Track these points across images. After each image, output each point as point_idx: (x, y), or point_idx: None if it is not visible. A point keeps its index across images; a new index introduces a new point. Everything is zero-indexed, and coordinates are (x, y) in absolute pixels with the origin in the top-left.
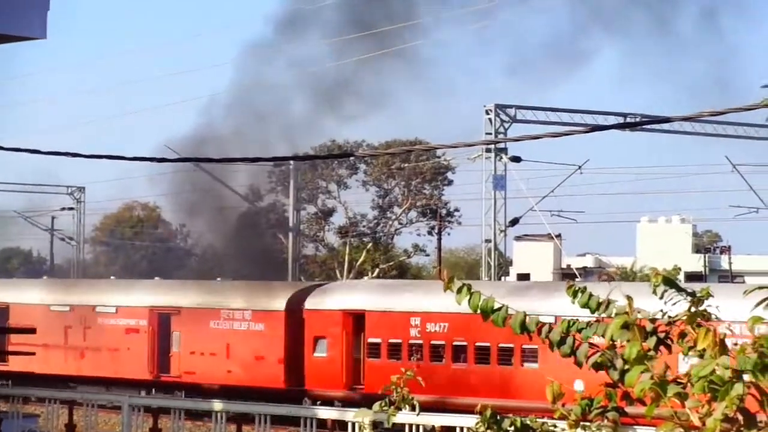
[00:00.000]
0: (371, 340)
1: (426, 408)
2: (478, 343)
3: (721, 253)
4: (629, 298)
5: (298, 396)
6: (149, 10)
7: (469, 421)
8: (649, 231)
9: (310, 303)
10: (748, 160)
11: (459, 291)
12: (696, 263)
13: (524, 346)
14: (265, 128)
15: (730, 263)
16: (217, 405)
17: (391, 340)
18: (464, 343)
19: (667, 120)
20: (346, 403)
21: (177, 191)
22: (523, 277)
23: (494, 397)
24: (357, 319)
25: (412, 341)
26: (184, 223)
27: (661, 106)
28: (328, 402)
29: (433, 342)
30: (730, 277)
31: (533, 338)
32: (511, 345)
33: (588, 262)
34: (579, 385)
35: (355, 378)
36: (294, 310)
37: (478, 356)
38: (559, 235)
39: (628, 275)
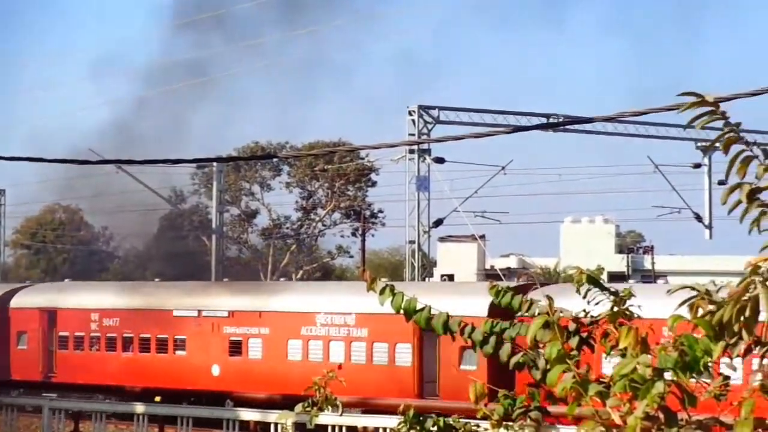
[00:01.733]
0: (61, 333)
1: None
2: (141, 335)
3: (644, 253)
4: (549, 297)
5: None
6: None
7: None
8: (572, 231)
9: (15, 302)
10: (670, 161)
11: (382, 292)
12: (619, 263)
13: (176, 337)
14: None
15: (653, 263)
16: (139, 407)
17: (77, 334)
18: (132, 335)
19: (589, 120)
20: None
21: (99, 193)
22: (447, 277)
23: (154, 382)
24: (51, 316)
25: (92, 334)
26: (107, 225)
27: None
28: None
29: (108, 334)
30: (653, 277)
31: (182, 330)
32: (166, 336)
33: (512, 262)
34: (215, 370)
35: (49, 367)
36: (2, 309)
37: (141, 346)
38: (482, 236)
39: (551, 276)
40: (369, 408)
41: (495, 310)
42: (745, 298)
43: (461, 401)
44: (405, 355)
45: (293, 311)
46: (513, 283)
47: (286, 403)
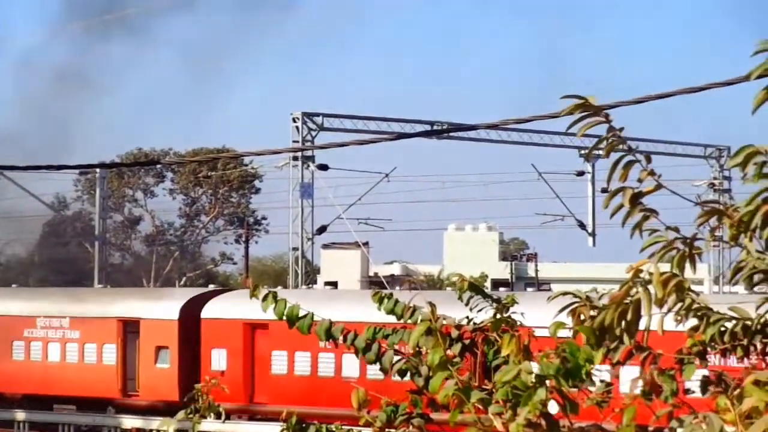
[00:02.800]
0: None
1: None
2: None
3: (528, 260)
4: (432, 304)
5: None
6: None
7: (274, 428)
8: (456, 238)
9: None
10: (554, 168)
11: (264, 299)
12: (503, 270)
13: None
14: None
15: (536, 271)
16: (20, 415)
17: None
18: None
19: (472, 128)
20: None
21: None
22: (331, 284)
23: None
24: None
25: None
26: None
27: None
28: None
29: None
30: (536, 284)
31: None
32: None
33: (395, 269)
34: None
35: None
36: None
37: None
38: (366, 243)
39: (435, 283)
40: (252, 415)
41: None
42: (627, 301)
43: (160, 398)
44: (110, 354)
45: (17, 315)
46: (398, 291)
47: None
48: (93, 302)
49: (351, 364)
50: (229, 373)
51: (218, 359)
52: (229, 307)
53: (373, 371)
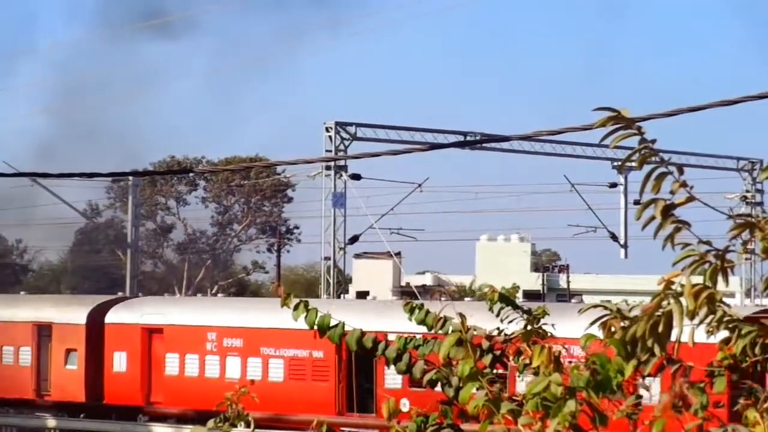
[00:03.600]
0: None
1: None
2: None
3: (560, 271)
4: (462, 315)
5: None
6: None
7: None
8: (488, 249)
9: None
10: (586, 179)
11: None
12: (534, 282)
13: None
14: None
15: (568, 282)
16: (50, 422)
17: None
18: None
19: (505, 138)
20: None
21: (14, 207)
22: (362, 294)
23: None
24: None
25: None
26: (21, 238)
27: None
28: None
29: None
30: (568, 295)
31: None
32: None
33: (427, 280)
34: None
35: None
36: None
37: None
38: (398, 253)
39: (467, 293)
40: (282, 425)
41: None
42: (659, 313)
43: (69, 398)
44: (26, 356)
45: None
46: (429, 301)
47: None
48: (10, 307)
49: (233, 366)
50: (129, 375)
51: (119, 361)
52: (130, 314)
53: (254, 373)
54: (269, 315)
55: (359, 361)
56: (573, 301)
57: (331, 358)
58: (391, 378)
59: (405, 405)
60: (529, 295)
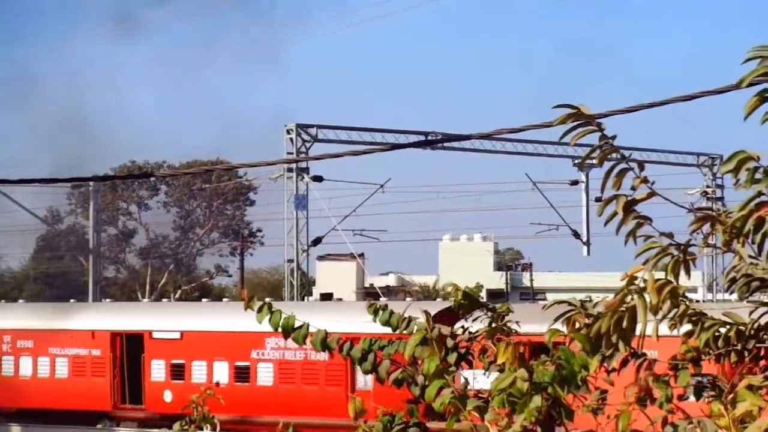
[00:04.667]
0: None
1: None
2: None
3: (523, 270)
4: (427, 313)
5: None
6: None
7: None
8: (451, 249)
9: None
10: (548, 178)
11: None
12: (498, 281)
13: None
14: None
15: (531, 280)
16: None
17: None
18: None
19: (466, 137)
20: None
21: None
22: (326, 296)
23: None
24: None
25: None
26: None
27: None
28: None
29: None
30: (531, 294)
31: None
32: None
33: (391, 280)
34: None
35: None
36: None
37: None
38: (362, 255)
39: (430, 293)
40: (248, 427)
41: None
42: (622, 309)
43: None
44: None
45: None
46: (394, 301)
47: None
48: None
49: (26, 365)
50: None
51: None
52: None
53: (44, 371)
54: (57, 318)
55: (130, 357)
56: (538, 298)
57: (106, 355)
58: (156, 370)
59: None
60: (493, 294)
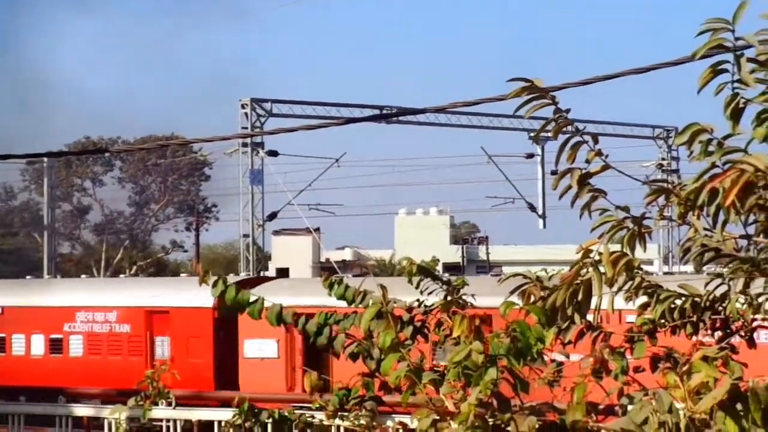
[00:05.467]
0: None
1: (184, 402)
2: None
3: (479, 243)
4: (383, 287)
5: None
6: None
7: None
8: (407, 223)
9: None
10: (504, 151)
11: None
12: (454, 254)
13: None
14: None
15: (487, 254)
16: None
17: None
18: None
19: (421, 111)
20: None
21: None
22: (282, 271)
23: None
24: None
25: None
26: None
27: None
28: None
29: None
30: (488, 267)
31: None
32: None
33: (347, 255)
34: None
35: None
36: None
37: None
38: (317, 229)
39: (387, 267)
40: (203, 401)
41: None
42: (578, 281)
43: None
44: None
45: None
46: (350, 276)
47: None
48: None
49: None
50: None
51: None
52: None
53: None
54: None
55: None
56: (494, 272)
57: None
58: None
59: None
60: (450, 268)
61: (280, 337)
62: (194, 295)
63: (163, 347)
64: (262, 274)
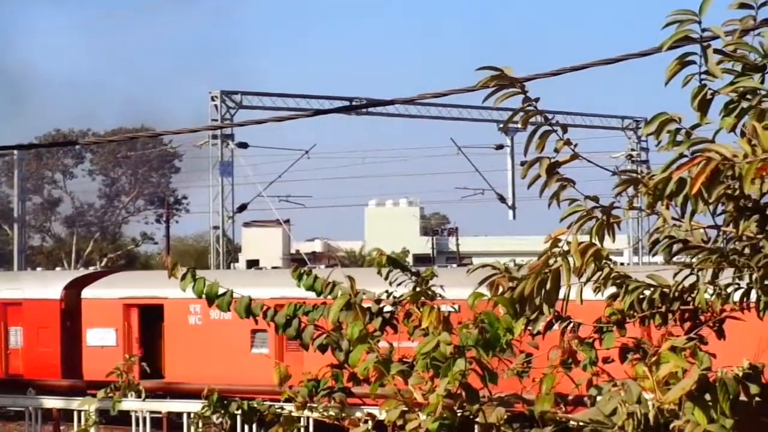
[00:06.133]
0: None
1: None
2: None
3: (449, 235)
4: (351, 278)
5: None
6: None
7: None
8: (377, 214)
9: None
10: (473, 142)
11: (183, 277)
12: (424, 245)
13: None
14: None
15: (457, 245)
16: None
17: None
18: None
19: (390, 102)
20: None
21: None
22: (253, 263)
23: None
24: None
25: None
26: None
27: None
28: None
29: None
30: (457, 258)
31: None
32: None
33: (317, 247)
34: None
35: None
36: None
37: None
38: (287, 221)
39: (357, 259)
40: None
41: None
42: (546, 271)
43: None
44: None
45: None
46: (319, 268)
47: None
48: None
49: None
50: None
51: None
52: None
53: None
54: None
55: None
56: (464, 263)
57: None
58: None
59: None
60: (420, 259)
61: (118, 326)
62: (44, 288)
63: (17, 337)
64: (233, 266)
